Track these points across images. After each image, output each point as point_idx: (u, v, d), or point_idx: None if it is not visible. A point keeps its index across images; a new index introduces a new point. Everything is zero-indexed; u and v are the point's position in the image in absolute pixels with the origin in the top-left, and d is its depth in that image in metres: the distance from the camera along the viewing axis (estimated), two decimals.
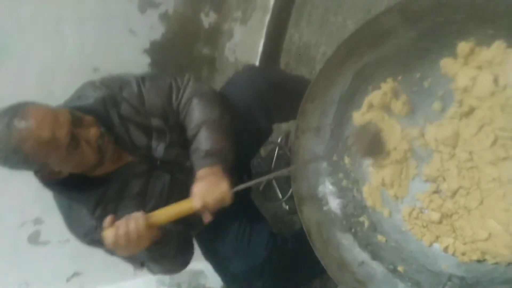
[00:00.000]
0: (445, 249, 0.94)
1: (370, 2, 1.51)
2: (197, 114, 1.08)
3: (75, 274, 1.55)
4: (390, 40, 0.96)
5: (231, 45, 1.65)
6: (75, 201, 1.02)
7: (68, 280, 1.54)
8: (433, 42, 0.93)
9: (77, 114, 0.93)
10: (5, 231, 1.31)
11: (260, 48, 1.77)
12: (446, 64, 0.93)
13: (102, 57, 1.32)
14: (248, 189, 1.49)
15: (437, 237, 0.97)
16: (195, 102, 1.08)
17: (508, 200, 0.83)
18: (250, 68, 1.32)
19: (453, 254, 0.93)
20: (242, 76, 1.31)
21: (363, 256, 1.02)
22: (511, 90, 0.84)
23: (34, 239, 1.38)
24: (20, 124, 0.83)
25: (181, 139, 1.12)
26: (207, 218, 0.95)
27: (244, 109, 1.22)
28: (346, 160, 1.11)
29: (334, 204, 1.10)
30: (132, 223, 0.83)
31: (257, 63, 1.78)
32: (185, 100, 1.09)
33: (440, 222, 0.96)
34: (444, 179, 0.97)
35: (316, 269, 1.21)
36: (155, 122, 1.08)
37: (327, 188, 1.11)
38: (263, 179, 1.02)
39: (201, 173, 0.99)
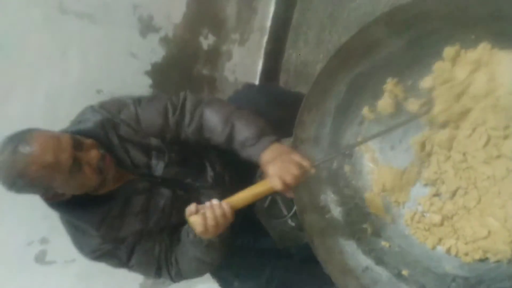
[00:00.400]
0: (448, 251, 0.95)
1: (362, 19, 1.57)
2: (218, 117, 1.07)
3: None
4: (380, 50, 1.00)
5: (230, 65, 1.71)
6: (80, 220, 1.04)
7: None
8: (421, 49, 0.98)
9: (78, 138, 0.97)
10: (13, 249, 1.32)
11: (259, 68, 1.82)
12: (439, 67, 0.97)
13: (106, 80, 1.37)
14: (252, 207, 1.51)
15: (440, 239, 0.98)
16: (207, 111, 1.09)
17: (503, 196, 0.85)
18: (249, 86, 1.37)
19: (456, 255, 0.94)
20: (241, 93, 1.36)
21: (367, 261, 1.02)
22: (500, 90, 0.87)
23: (41, 258, 1.38)
24: (25, 149, 0.87)
25: (179, 157, 1.14)
26: (290, 194, 0.93)
27: None
28: (346, 168, 1.14)
29: (336, 212, 1.11)
30: (218, 210, 0.88)
31: (256, 82, 1.83)
32: (190, 114, 1.10)
33: (441, 224, 0.98)
34: (443, 182, 0.99)
35: (322, 282, 1.20)
36: (154, 141, 1.11)
37: (328, 196, 1.12)
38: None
39: (265, 157, 0.97)
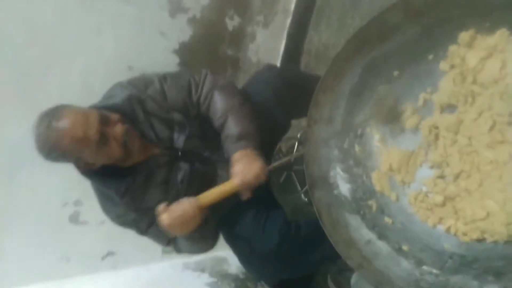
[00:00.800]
0: (448, 230, 1.00)
1: (384, 4, 1.58)
2: (220, 104, 1.18)
3: (109, 253, 1.70)
4: (396, 36, 1.04)
5: (253, 46, 1.77)
6: (107, 188, 1.15)
7: (103, 258, 1.69)
8: (436, 36, 1.00)
9: (105, 114, 1.07)
10: (49, 210, 1.48)
11: (282, 49, 1.87)
12: (454, 51, 1.00)
13: (136, 57, 1.47)
14: (268, 182, 1.59)
15: (441, 219, 1.03)
16: (216, 94, 1.19)
17: (504, 181, 0.89)
18: (270, 67, 1.43)
19: (455, 235, 0.99)
20: (261, 75, 1.42)
21: (370, 235, 1.09)
22: (510, 78, 0.90)
23: (74, 219, 1.54)
24: (58, 125, 0.98)
25: (200, 131, 1.24)
26: (245, 195, 1.04)
27: (262, 106, 1.32)
28: (357, 148, 1.19)
29: (344, 188, 1.17)
30: (186, 206, 0.96)
31: (278, 63, 1.89)
32: (205, 93, 1.20)
33: (443, 204, 1.03)
34: (448, 165, 1.03)
35: (328, 254, 1.28)
36: (176, 116, 1.20)
37: (338, 173, 1.19)
38: (296, 155, 1.09)
39: (236, 156, 1.09)
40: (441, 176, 1.05)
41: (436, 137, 1.04)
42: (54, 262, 1.58)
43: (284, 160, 1.07)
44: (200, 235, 1.14)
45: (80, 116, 1.01)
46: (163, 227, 0.98)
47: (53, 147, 0.99)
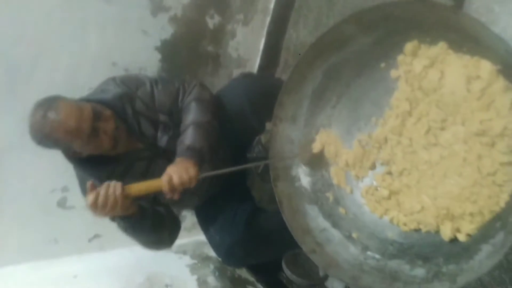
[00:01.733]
0: (391, 220, 1.13)
1: (357, 6, 1.68)
2: (191, 115, 1.28)
3: (96, 236, 1.82)
4: (350, 45, 1.14)
5: (234, 43, 1.86)
6: (90, 175, 1.24)
7: (89, 240, 1.81)
8: (386, 46, 1.11)
9: (99, 109, 1.15)
10: (38, 195, 1.58)
11: (261, 46, 1.96)
12: (401, 60, 1.10)
13: (120, 54, 1.55)
14: (245, 174, 1.71)
15: (386, 210, 1.15)
16: (193, 105, 1.30)
17: (435, 179, 1.01)
18: (244, 76, 1.54)
19: (397, 225, 1.12)
20: (236, 83, 1.53)
21: (325, 224, 1.22)
22: (446, 89, 1.01)
23: (62, 203, 1.65)
24: (53, 116, 1.06)
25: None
26: (168, 195, 1.06)
27: (238, 111, 1.44)
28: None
29: (305, 181, 1.29)
30: (111, 189, 0.97)
31: (258, 60, 1.98)
32: (187, 102, 1.31)
33: (389, 198, 1.14)
34: (394, 163, 1.15)
35: (291, 243, 1.41)
36: (162, 117, 1.30)
37: (300, 168, 1.31)
38: (231, 170, 1.14)
39: (177, 160, 1.16)
40: (389, 173, 1.17)
41: (386, 138, 1.16)
42: (43, 243, 1.69)
43: (218, 172, 1.14)
44: (133, 229, 1.19)
45: (75, 109, 1.09)
46: (87, 206, 0.99)
47: (46, 136, 1.08)
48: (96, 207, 0.98)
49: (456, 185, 0.94)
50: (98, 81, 1.37)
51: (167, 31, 1.64)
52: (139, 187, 1.02)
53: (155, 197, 1.30)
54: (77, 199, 1.66)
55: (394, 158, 1.14)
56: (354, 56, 1.16)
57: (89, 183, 1.00)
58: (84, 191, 1.29)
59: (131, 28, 1.55)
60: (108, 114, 1.18)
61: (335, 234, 1.19)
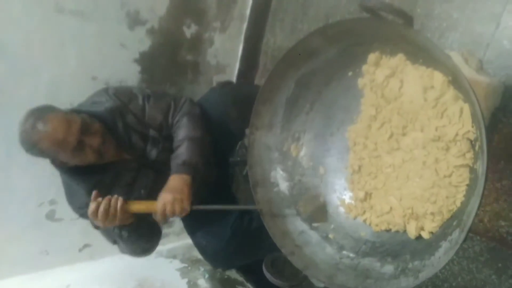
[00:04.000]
0: (364, 221, 1.20)
1: (328, 12, 1.74)
2: (184, 130, 1.33)
3: (86, 245, 1.86)
4: (319, 56, 1.19)
5: (212, 50, 1.90)
6: (77, 183, 1.29)
7: (80, 250, 1.85)
8: (351, 57, 1.17)
9: (87, 122, 1.18)
10: (27, 209, 1.62)
11: (240, 52, 2.01)
12: (365, 69, 1.17)
13: (100, 68, 1.59)
14: (230, 178, 1.77)
15: (360, 212, 1.22)
16: (185, 120, 1.34)
17: (399, 181, 1.08)
18: (222, 85, 1.59)
19: (370, 225, 1.19)
20: (215, 93, 1.58)
21: (303, 227, 1.27)
22: (405, 97, 1.08)
23: (50, 216, 1.69)
24: (41, 127, 1.10)
25: (171, 148, 1.38)
26: (158, 219, 1.15)
27: (217, 120, 1.49)
28: (293, 151, 1.37)
29: (283, 186, 1.35)
30: (113, 203, 1.05)
31: (237, 65, 2.03)
32: (178, 118, 1.35)
33: (364, 199, 1.21)
34: (362, 166, 1.21)
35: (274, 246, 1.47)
36: (152, 132, 1.35)
37: (278, 173, 1.36)
38: (223, 208, 1.24)
39: (173, 178, 1.21)
40: (359, 175, 1.23)
41: (355, 142, 1.22)
42: (34, 255, 1.74)
43: (211, 207, 1.24)
44: (128, 236, 1.26)
45: (63, 122, 1.13)
46: (88, 214, 1.07)
47: (34, 145, 1.12)
48: (96, 216, 1.05)
49: (418, 187, 1.01)
50: (79, 96, 1.40)
51: (145, 43, 1.68)
52: (138, 206, 1.10)
53: None
54: (65, 211, 1.71)
55: (361, 162, 1.20)
56: (323, 65, 1.21)
57: (94, 193, 1.06)
58: (70, 198, 1.33)
59: (109, 42, 1.58)
60: (96, 128, 1.21)
61: (313, 235, 1.25)
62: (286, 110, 1.34)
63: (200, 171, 1.27)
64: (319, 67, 1.23)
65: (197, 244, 1.55)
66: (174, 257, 2.08)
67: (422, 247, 1.02)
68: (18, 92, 1.43)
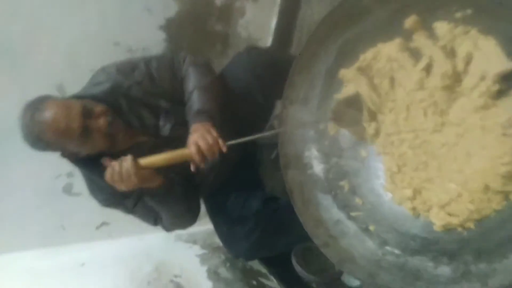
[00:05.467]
0: (417, 216, 1.02)
1: None
2: (192, 80, 1.21)
3: (104, 223, 1.78)
4: (366, 18, 1.02)
5: (243, 22, 1.75)
6: (94, 174, 1.19)
7: (97, 228, 1.77)
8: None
9: (89, 106, 1.08)
10: (43, 181, 1.54)
11: (273, 25, 1.84)
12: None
13: (122, 33, 1.47)
14: (255, 160, 1.62)
15: (413, 209, 1.04)
16: (191, 70, 1.22)
17: (459, 161, 0.89)
18: (250, 49, 1.43)
19: (424, 220, 1.01)
20: (241, 57, 1.42)
21: (340, 215, 1.12)
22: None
23: (68, 190, 1.61)
24: (40, 117, 1.01)
25: (185, 121, 1.25)
26: (195, 165, 1.04)
27: (243, 89, 1.33)
28: (331, 129, 1.20)
29: (318, 168, 1.19)
30: (122, 163, 0.98)
31: (270, 39, 1.87)
32: (185, 70, 1.23)
33: (414, 198, 1.03)
34: (405, 164, 1.03)
35: (303, 236, 1.32)
36: (163, 103, 1.22)
37: (312, 154, 1.20)
38: (255, 137, 1.07)
39: (193, 127, 1.11)
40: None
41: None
42: (50, 230, 1.67)
43: (247, 138, 1.05)
44: (163, 199, 1.17)
45: (62, 109, 1.03)
46: (107, 180, 1.01)
47: (37, 138, 1.03)
48: (114, 181, 0.99)
49: (484, 159, 0.82)
50: (100, 61, 1.29)
51: (172, 9, 1.55)
52: (158, 158, 1.01)
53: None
54: (83, 185, 1.62)
55: (402, 159, 1.02)
56: (370, 29, 1.04)
57: (104, 160, 1.00)
58: (93, 192, 1.25)
59: (133, 5, 1.47)
60: (99, 110, 1.10)
61: (351, 226, 1.09)
62: (325, 82, 1.17)
63: (216, 117, 1.16)
64: (366, 31, 1.05)
65: (218, 230, 1.43)
66: (195, 242, 1.97)
67: (489, 246, 0.84)
68: (33, 55, 1.33)
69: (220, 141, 1.02)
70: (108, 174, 0.99)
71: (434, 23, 0.92)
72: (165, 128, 1.23)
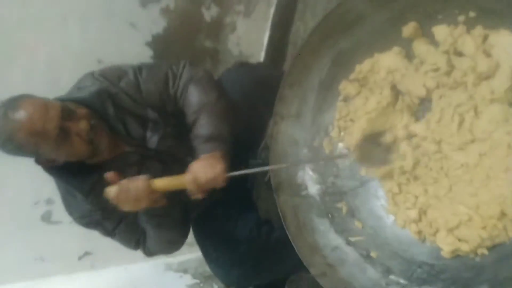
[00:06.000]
0: (423, 240, 0.92)
1: None
2: (194, 99, 1.11)
3: (86, 253, 1.66)
4: (363, 24, 0.96)
5: (234, 37, 1.69)
6: (71, 186, 1.10)
7: (79, 258, 1.65)
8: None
9: (69, 107, 0.99)
10: (20, 209, 1.43)
11: (265, 41, 1.79)
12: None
13: (106, 50, 1.40)
14: (247, 181, 1.52)
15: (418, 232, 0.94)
16: (192, 88, 1.11)
17: (475, 184, 0.81)
18: (239, 65, 1.37)
19: (431, 245, 0.91)
20: (229, 75, 1.35)
21: (338, 241, 1.02)
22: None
23: (47, 218, 1.50)
24: (13, 116, 0.91)
25: (175, 131, 1.17)
26: (194, 195, 0.97)
27: (233, 105, 1.25)
28: (327, 147, 1.11)
29: (313, 189, 1.10)
30: (135, 183, 0.91)
31: (262, 56, 1.81)
32: (182, 86, 1.13)
33: (420, 219, 0.93)
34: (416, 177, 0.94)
35: (298, 263, 1.22)
36: (151, 113, 1.13)
37: (307, 174, 1.11)
38: (256, 170, 1.03)
39: (202, 157, 1.03)
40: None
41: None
42: (28, 262, 1.54)
43: (248, 171, 1.02)
44: (158, 223, 1.10)
45: (39, 108, 0.94)
46: (109, 199, 0.93)
47: (8, 139, 0.92)
48: (119, 200, 0.92)
49: (505, 184, 0.73)
50: None
51: (159, 25, 1.48)
52: (164, 183, 0.96)
53: None
54: (64, 212, 1.51)
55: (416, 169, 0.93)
56: (367, 37, 0.97)
57: (110, 174, 0.94)
58: (69, 209, 1.15)
59: (117, 21, 1.39)
60: (81, 113, 1.02)
61: (350, 252, 0.99)
62: (318, 95, 1.10)
63: (228, 140, 1.07)
64: (362, 40, 0.98)
65: (207, 256, 1.32)
66: (185, 271, 1.84)
67: (506, 275, 0.73)
68: (12, 71, 1.25)
69: (222, 176, 0.95)
70: (113, 192, 0.92)
71: (434, 27, 0.85)
72: (152, 139, 1.14)
